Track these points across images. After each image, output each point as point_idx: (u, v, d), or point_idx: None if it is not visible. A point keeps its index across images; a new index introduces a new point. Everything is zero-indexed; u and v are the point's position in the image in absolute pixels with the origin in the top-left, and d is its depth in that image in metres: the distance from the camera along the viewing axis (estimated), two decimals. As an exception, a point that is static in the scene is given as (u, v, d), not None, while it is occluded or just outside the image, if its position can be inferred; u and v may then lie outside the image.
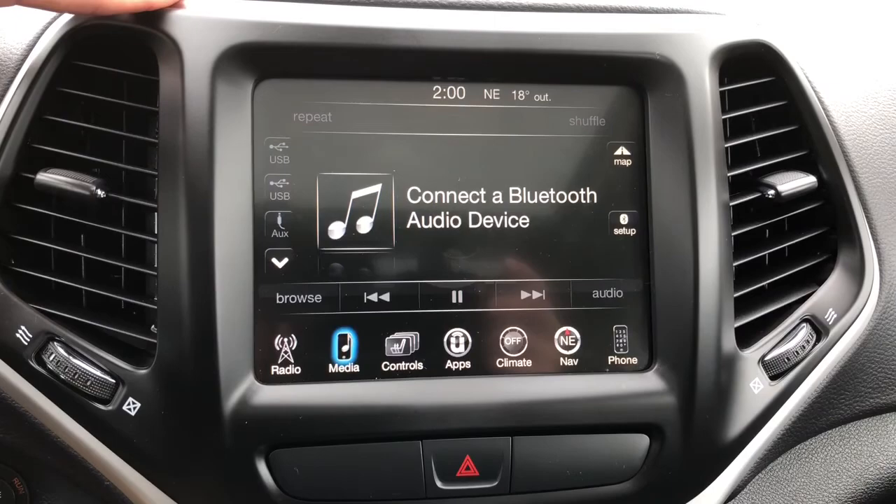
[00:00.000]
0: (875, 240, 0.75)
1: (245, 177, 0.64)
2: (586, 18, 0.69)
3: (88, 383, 0.62)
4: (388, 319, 0.66)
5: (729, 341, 0.68)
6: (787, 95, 0.74)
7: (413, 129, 0.67)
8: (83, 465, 0.64)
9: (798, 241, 0.74)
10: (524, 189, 0.68)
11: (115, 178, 0.66)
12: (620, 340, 0.68)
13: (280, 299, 0.65)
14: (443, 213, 0.67)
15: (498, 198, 0.68)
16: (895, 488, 0.80)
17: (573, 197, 0.69)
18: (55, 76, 0.64)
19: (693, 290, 0.66)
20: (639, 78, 0.69)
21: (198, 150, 0.62)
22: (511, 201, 0.68)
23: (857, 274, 0.75)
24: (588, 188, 0.69)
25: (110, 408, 0.62)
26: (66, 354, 0.62)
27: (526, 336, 0.68)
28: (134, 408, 0.62)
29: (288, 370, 0.65)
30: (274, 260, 0.65)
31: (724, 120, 0.72)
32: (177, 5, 0.64)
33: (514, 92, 0.68)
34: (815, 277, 0.75)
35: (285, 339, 0.65)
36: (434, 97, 0.68)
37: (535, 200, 0.68)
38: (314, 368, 0.65)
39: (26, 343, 0.62)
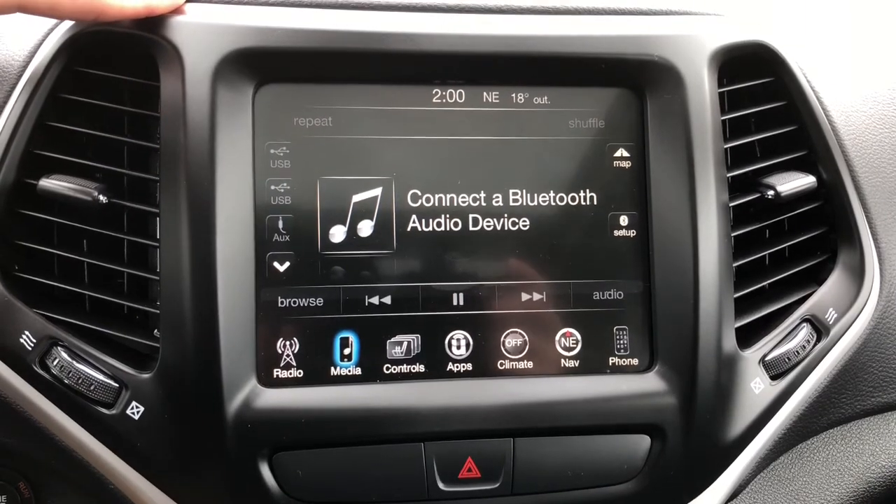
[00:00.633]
0: (875, 239, 0.75)
1: (246, 181, 0.64)
2: (585, 21, 0.69)
3: (92, 388, 0.62)
4: (390, 322, 0.66)
5: (729, 342, 0.68)
6: (787, 96, 0.74)
7: (413, 132, 0.67)
8: (87, 469, 0.64)
9: (798, 241, 0.74)
10: (524, 191, 0.68)
11: (117, 184, 0.66)
12: (621, 341, 0.68)
13: (282, 303, 0.65)
14: (443, 216, 0.67)
15: (498, 200, 0.68)
16: (897, 487, 0.80)
17: (573, 199, 0.69)
18: (57, 83, 0.65)
19: (693, 291, 0.66)
20: (638, 80, 0.69)
21: (199, 154, 0.62)
22: (511, 203, 0.68)
23: (858, 273, 0.75)
24: (588, 190, 0.69)
25: (114, 412, 0.62)
26: (69, 359, 0.62)
27: (527, 338, 0.68)
28: (137, 412, 0.62)
29: (290, 373, 0.65)
30: (275, 264, 0.65)
31: (724, 121, 0.72)
32: (177, 11, 0.64)
33: (514, 95, 0.69)
34: (816, 277, 0.76)
35: (287, 343, 0.65)
36: (434, 101, 0.68)
37: (535, 202, 0.68)
38: (316, 371, 0.65)
39: (30, 348, 0.62)
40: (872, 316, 0.75)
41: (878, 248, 0.75)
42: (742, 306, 0.70)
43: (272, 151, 0.65)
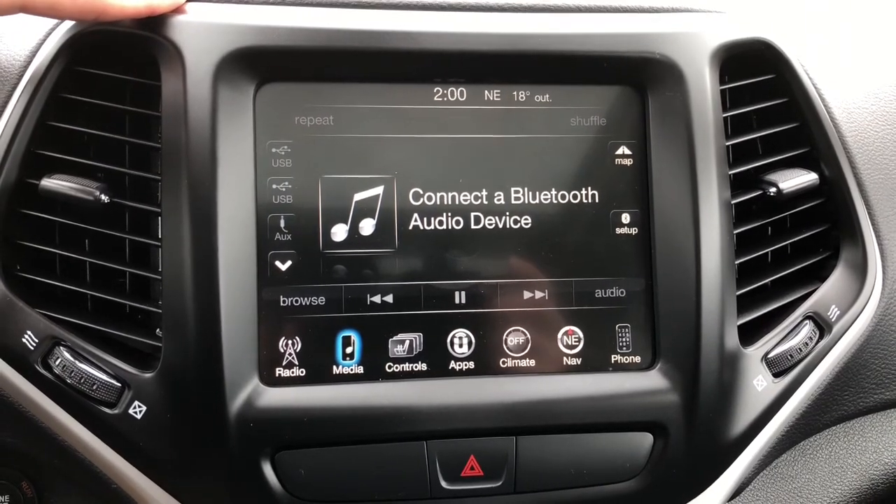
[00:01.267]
0: (877, 236, 0.75)
1: (248, 180, 0.64)
2: (586, 18, 0.69)
3: (94, 387, 0.62)
4: (392, 321, 0.66)
5: (732, 339, 0.68)
6: (788, 93, 0.74)
7: (414, 130, 0.67)
8: (90, 469, 0.65)
9: (800, 238, 0.74)
10: (526, 189, 0.68)
11: (118, 183, 0.66)
12: (623, 339, 0.68)
13: (284, 302, 0.65)
14: (445, 215, 0.67)
15: (500, 198, 0.68)
16: (900, 484, 0.80)
17: (575, 197, 0.69)
18: (58, 82, 0.65)
19: (695, 289, 0.66)
20: (639, 77, 0.69)
21: (200, 154, 0.62)
22: (513, 202, 0.68)
23: (860, 270, 0.75)
24: (589, 188, 0.69)
25: (116, 411, 0.62)
26: (71, 359, 0.62)
27: (529, 336, 0.68)
28: (140, 411, 0.62)
29: (292, 372, 0.65)
30: (277, 263, 0.65)
31: (725, 118, 0.72)
32: (178, 11, 0.64)
33: (515, 93, 0.68)
34: (818, 274, 0.75)
35: (289, 342, 0.65)
36: (435, 99, 0.68)
37: (537, 200, 0.68)
38: (318, 370, 0.65)
39: (32, 348, 0.62)
40: (875, 313, 0.75)
41: (880, 244, 0.75)
42: (744, 303, 0.70)
43: (274, 150, 0.65)
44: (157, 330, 0.64)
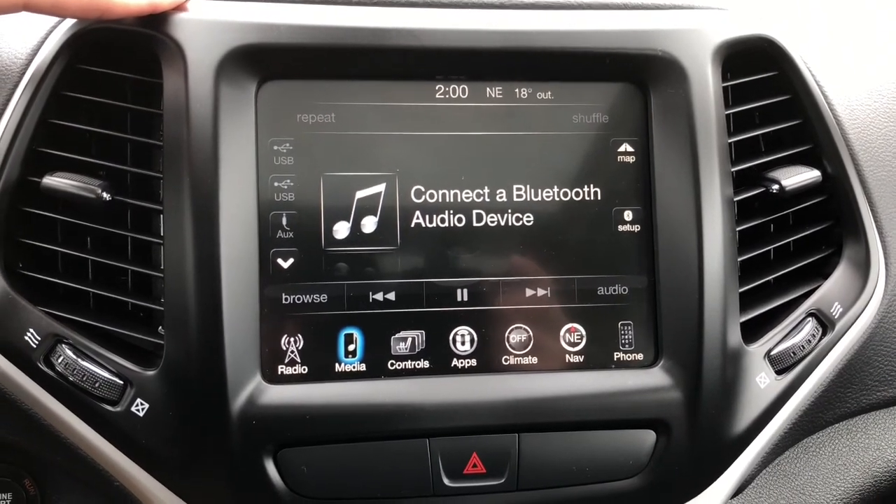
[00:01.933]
0: (880, 233, 0.75)
1: (249, 178, 0.64)
2: (588, 15, 0.69)
3: (97, 385, 0.62)
4: (394, 318, 0.66)
5: (734, 336, 0.68)
6: (791, 90, 0.74)
7: (416, 128, 0.67)
8: (93, 466, 0.65)
9: (803, 235, 0.74)
10: (528, 187, 0.68)
11: (120, 181, 0.66)
12: (626, 337, 0.68)
13: (286, 299, 0.65)
14: (447, 212, 0.67)
15: (502, 196, 0.68)
16: (903, 481, 0.80)
17: (577, 194, 0.69)
18: (60, 80, 0.65)
19: (698, 286, 0.66)
20: (641, 74, 0.69)
21: (202, 151, 0.62)
22: (515, 199, 0.68)
23: (863, 267, 0.75)
24: (592, 185, 0.69)
25: (119, 409, 0.62)
26: (74, 357, 0.62)
27: (531, 333, 0.68)
28: (142, 409, 0.62)
29: (295, 370, 0.65)
30: (279, 260, 0.65)
31: (728, 115, 0.71)
32: (180, 8, 0.64)
33: (517, 90, 0.68)
34: (821, 271, 0.75)
35: (291, 339, 0.65)
36: (437, 96, 0.68)
37: (539, 198, 0.68)
38: (321, 368, 0.65)
39: (35, 346, 0.62)
40: (878, 310, 0.75)
41: (883, 241, 0.75)
42: (747, 301, 0.70)
43: (275, 148, 0.65)
44: (160, 327, 0.64)
